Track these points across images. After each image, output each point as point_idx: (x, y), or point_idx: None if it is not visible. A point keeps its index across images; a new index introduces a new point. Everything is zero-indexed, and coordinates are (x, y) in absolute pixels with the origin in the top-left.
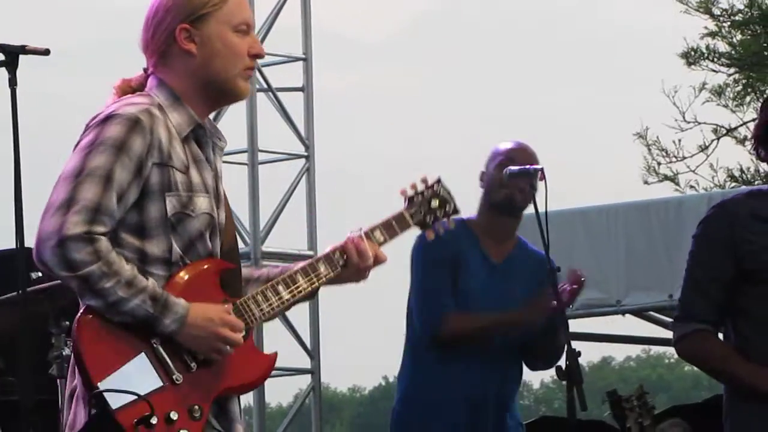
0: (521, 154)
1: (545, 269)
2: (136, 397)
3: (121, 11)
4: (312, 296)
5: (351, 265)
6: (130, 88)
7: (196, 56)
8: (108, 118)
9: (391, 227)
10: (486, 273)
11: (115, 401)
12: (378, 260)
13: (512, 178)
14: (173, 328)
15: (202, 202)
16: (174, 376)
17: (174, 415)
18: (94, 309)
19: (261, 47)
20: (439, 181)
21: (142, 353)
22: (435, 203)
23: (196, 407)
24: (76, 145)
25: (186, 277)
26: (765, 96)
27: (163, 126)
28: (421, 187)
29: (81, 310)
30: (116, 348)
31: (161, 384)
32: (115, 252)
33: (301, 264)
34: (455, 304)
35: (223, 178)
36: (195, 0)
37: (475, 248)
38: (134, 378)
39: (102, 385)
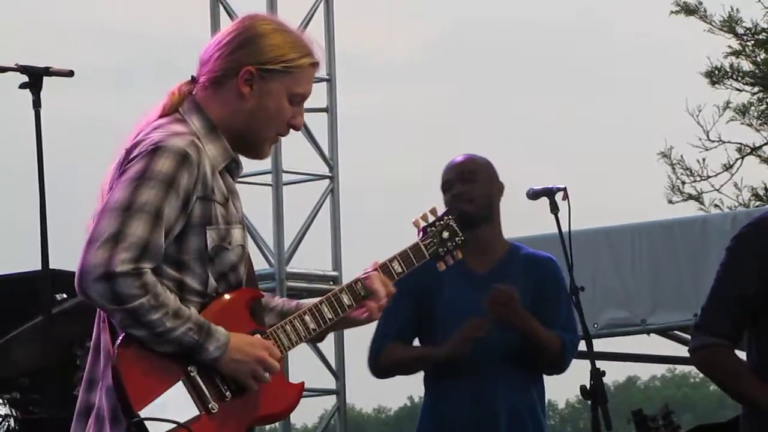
0: (455, 170)
1: (542, 268)
2: (174, 425)
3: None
4: (333, 328)
5: (374, 294)
6: (179, 97)
7: (248, 101)
8: (156, 150)
9: (409, 258)
10: (469, 287)
11: (154, 430)
12: (389, 295)
13: (531, 197)
14: (216, 355)
15: (237, 234)
16: (210, 405)
17: None
18: (135, 338)
19: (302, 121)
20: (448, 212)
21: (180, 382)
22: (446, 234)
23: None
24: (122, 173)
25: (219, 306)
26: None
27: (207, 159)
28: (431, 218)
29: (120, 339)
30: (155, 377)
31: (198, 413)
32: (159, 283)
33: (322, 297)
34: (428, 331)
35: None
36: (274, 51)
37: (453, 266)
38: (172, 406)
39: (142, 413)
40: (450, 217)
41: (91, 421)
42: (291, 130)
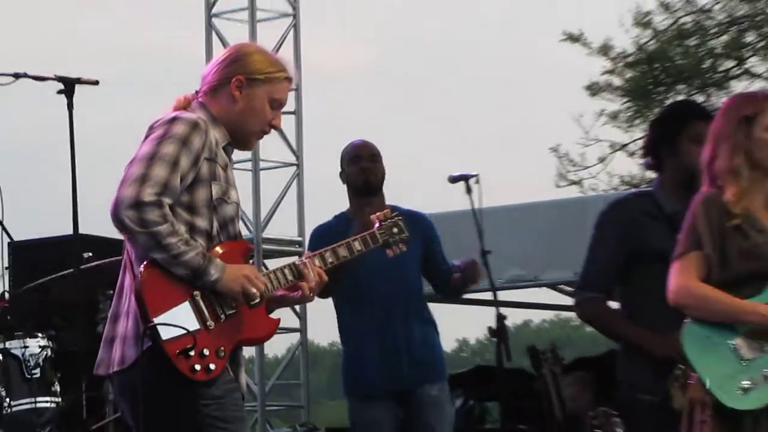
0: (364, 149)
1: (424, 220)
2: (183, 332)
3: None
4: (278, 305)
5: (305, 277)
6: (186, 102)
7: (238, 103)
8: (174, 119)
9: (368, 241)
10: None
11: (165, 334)
12: (322, 280)
13: (451, 181)
14: (216, 276)
15: (234, 194)
16: (208, 323)
17: (206, 351)
18: (156, 263)
19: (280, 122)
20: (399, 214)
21: (186, 302)
22: (395, 230)
23: (222, 348)
24: (145, 139)
25: (221, 251)
26: (651, 119)
27: (212, 134)
28: (386, 216)
29: (144, 265)
30: (168, 295)
31: (198, 327)
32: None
33: (281, 266)
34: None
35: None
36: (258, 65)
37: (352, 227)
38: (179, 319)
39: (156, 320)
40: (400, 217)
41: (117, 343)
42: (272, 130)
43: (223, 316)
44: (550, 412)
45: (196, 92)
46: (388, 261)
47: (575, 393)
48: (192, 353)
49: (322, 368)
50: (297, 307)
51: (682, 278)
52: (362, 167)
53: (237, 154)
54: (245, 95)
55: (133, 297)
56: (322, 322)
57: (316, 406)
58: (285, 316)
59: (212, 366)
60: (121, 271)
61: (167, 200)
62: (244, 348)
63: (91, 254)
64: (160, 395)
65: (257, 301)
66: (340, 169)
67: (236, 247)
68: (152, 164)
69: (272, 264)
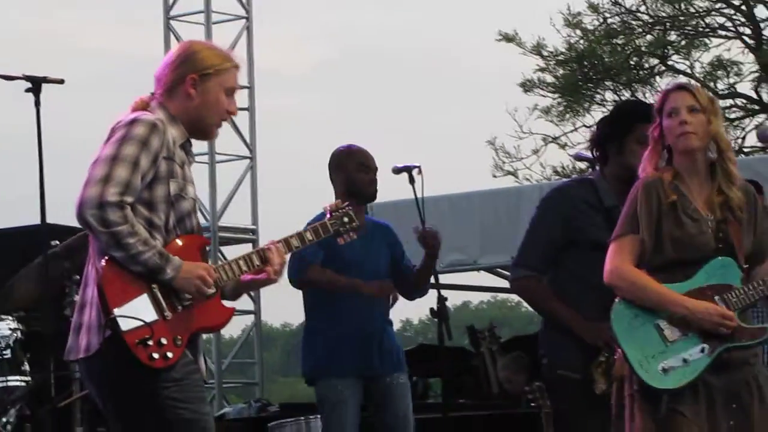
0: (371, 159)
1: (389, 229)
2: (141, 323)
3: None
4: (246, 288)
5: (269, 261)
6: (143, 103)
7: (194, 99)
8: (134, 121)
9: (318, 231)
10: (357, 242)
11: (124, 325)
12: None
13: (395, 172)
14: (172, 275)
15: (191, 189)
16: (165, 313)
17: (164, 341)
18: (116, 259)
19: (236, 109)
20: (348, 205)
21: (145, 294)
22: (346, 220)
23: (179, 337)
24: (107, 140)
25: (180, 243)
26: (600, 118)
27: (170, 133)
28: (337, 206)
29: (105, 259)
30: (128, 287)
31: (156, 318)
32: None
33: (242, 255)
34: (334, 266)
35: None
36: (207, 61)
37: None
38: (138, 311)
39: (116, 312)
40: (350, 208)
41: (83, 331)
42: (230, 117)
43: (180, 307)
44: (487, 387)
45: (152, 94)
46: (366, 260)
47: (510, 375)
48: (150, 342)
49: (275, 348)
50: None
51: (617, 260)
52: (372, 179)
53: (196, 148)
54: (200, 91)
55: (92, 267)
56: (275, 304)
57: (270, 383)
58: (240, 300)
59: (170, 354)
60: (87, 263)
61: (129, 199)
62: None
63: (58, 242)
64: (122, 381)
65: (213, 291)
66: (334, 169)
67: (193, 240)
68: (114, 165)
69: (227, 250)
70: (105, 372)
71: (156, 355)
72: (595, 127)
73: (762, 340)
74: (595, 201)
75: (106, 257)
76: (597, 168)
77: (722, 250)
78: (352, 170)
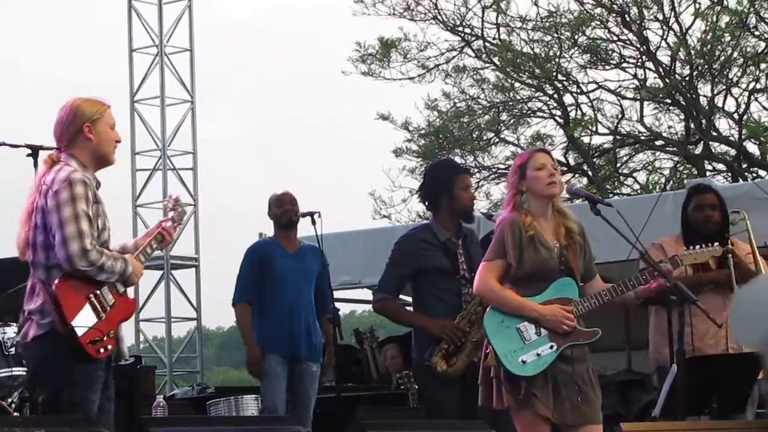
0: (287, 196)
1: (318, 251)
2: (88, 327)
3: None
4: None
5: (166, 241)
6: (54, 159)
7: (93, 141)
8: (71, 182)
9: (159, 239)
10: (287, 257)
11: (80, 332)
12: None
13: (301, 216)
14: (131, 269)
15: (107, 222)
16: (101, 315)
17: (104, 337)
18: (64, 277)
19: (119, 137)
20: (178, 199)
21: (87, 303)
22: (182, 211)
23: (111, 331)
24: (54, 199)
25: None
26: (423, 179)
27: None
28: (175, 202)
29: (59, 277)
30: (75, 300)
31: (96, 319)
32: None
33: (149, 239)
34: (263, 282)
35: None
36: (92, 109)
37: (277, 247)
38: (86, 318)
39: (73, 323)
40: (182, 203)
41: (28, 320)
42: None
43: (108, 308)
44: (368, 374)
45: (58, 149)
46: (299, 273)
47: (387, 361)
48: (97, 340)
49: (212, 345)
50: (194, 302)
51: (486, 277)
52: (286, 209)
53: (154, 197)
54: (95, 132)
55: (37, 281)
56: (212, 312)
57: (208, 371)
58: (185, 309)
59: (109, 346)
60: (29, 288)
61: (94, 241)
62: (157, 328)
63: None
64: (55, 366)
65: (124, 290)
66: (268, 209)
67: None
68: (78, 222)
69: (177, 273)
70: (39, 357)
71: (102, 350)
72: (421, 186)
73: (594, 340)
74: (433, 238)
75: (59, 277)
76: (433, 216)
77: (564, 272)
78: (274, 208)
